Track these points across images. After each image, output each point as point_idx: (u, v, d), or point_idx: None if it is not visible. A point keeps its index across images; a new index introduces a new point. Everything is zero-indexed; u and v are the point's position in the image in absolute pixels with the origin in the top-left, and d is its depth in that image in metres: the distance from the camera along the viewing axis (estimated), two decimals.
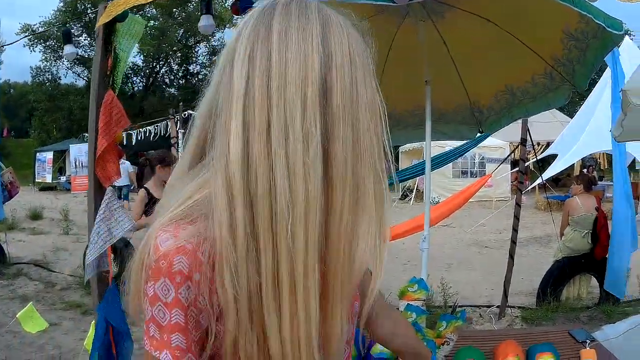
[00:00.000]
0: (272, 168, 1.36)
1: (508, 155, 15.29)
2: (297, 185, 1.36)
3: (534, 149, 12.93)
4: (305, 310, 1.42)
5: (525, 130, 9.90)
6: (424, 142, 19.41)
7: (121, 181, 26.20)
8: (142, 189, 8.74)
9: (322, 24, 1.45)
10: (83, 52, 53.30)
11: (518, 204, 10.13)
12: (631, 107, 4.99)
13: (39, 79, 56.08)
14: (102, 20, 4.34)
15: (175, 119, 26.95)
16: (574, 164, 27.77)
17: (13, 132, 64.07)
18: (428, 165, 5.90)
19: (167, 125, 26.87)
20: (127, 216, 4.42)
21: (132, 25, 4.51)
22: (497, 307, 10.27)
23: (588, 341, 4.49)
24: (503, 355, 3.76)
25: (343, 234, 1.45)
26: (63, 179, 40.57)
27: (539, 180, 22.64)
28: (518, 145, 10.94)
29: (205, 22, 4.54)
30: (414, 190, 31.60)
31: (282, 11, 1.46)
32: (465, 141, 9.21)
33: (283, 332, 1.41)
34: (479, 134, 8.57)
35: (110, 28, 4.48)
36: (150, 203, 8.39)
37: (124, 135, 31.23)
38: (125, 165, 27.12)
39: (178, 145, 20.68)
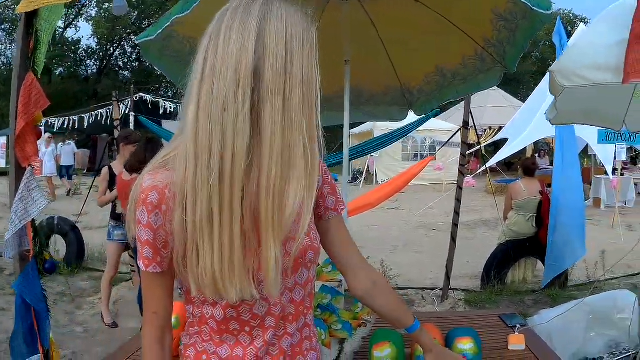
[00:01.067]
0: (211, 133, 1.84)
1: (450, 139, 15.31)
2: (227, 146, 1.83)
3: (476, 133, 12.96)
4: (230, 240, 1.90)
5: (468, 113, 9.91)
6: (374, 124, 19.51)
7: (67, 161, 26.40)
8: (106, 167, 8.90)
9: (261, 17, 1.88)
10: None
11: (460, 187, 10.17)
12: (559, 89, 4.98)
13: None
14: (21, 9, 4.30)
15: (120, 103, 26.80)
16: (526, 148, 28.01)
17: None
18: (346, 150, 5.81)
19: (118, 107, 26.72)
20: (43, 196, 4.41)
21: (52, 7, 4.46)
22: (441, 289, 10.26)
23: (518, 326, 4.46)
24: None
25: (272, 187, 1.88)
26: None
27: (487, 164, 22.80)
28: (459, 129, 10.95)
29: (118, 3, 4.54)
30: (364, 173, 31.75)
31: (233, 11, 1.91)
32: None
33: (215, 256, 1.90)
34: (423, 115, 8.58)
35: (33, 12, 4.43)
36: (113, 180, 8.56)
37: (73, 119, 31.02)
38: (71, 147, 27.40)
39: (130, 128, 20.52)
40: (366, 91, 6.45)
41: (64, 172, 27.68)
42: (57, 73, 55.93)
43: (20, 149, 4.38)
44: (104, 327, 8.69)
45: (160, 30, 4.56)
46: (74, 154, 28.72)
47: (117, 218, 8.57)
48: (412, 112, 6.85)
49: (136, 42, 5.46)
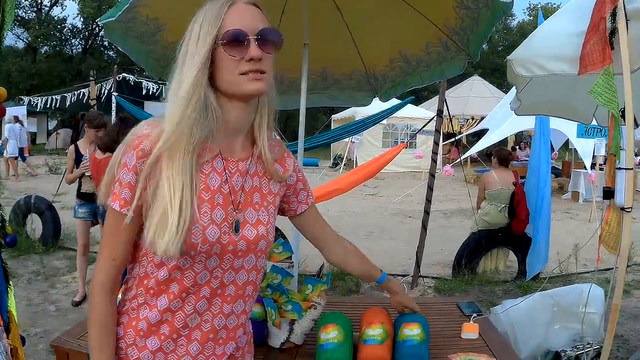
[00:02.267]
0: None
1: (423, 127, 15.32)
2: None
3: (451, 122, 12.95)
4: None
5: (442, 101, 9.91)
6: (355, 110, 19.51)
7: (23, 143, 26.22)
8: (72, 145, 9.01)
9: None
10: (23, 13, 52.45)
11: (432, 175, 10.16)
12: (517, 79, 5.00)
13: None
14: None
15: (102, 82, 26.70)
16: (507, 139, 28.07)
17: None
18: (301, 134, 5.77)
19: (101, 87, 26.60)
20: None
21: None
22: (412, 277, 10.25)
23: (474, 314, 4.48)
24: (368, 321, 3.70)
25: None
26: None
27: (465, 155, 22.84)
28: (433, 117, 10.95)
29: None
30: (344, 159, 31.81)
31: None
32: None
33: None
34: (400, 102, 8.57)
35: None
36: (79, 158, 8.74)
37: (56, 98, 30.84)
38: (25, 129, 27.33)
39: (112, 108, 20.45)
40: (331, 75, 6.43)
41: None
42: (42, 52, 55.61)
43: None
44: (77, 306, 8.74)
45: (121, 12, 4.54)
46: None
47: (81, 197, 8.78)
48: (378, 99, 6.81)
49: (99, 23, 5.43)
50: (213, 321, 2.32)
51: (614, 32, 4.15)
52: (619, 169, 4.18)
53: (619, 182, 4.19)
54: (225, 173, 2.30)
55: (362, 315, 3.90)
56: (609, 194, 4.34)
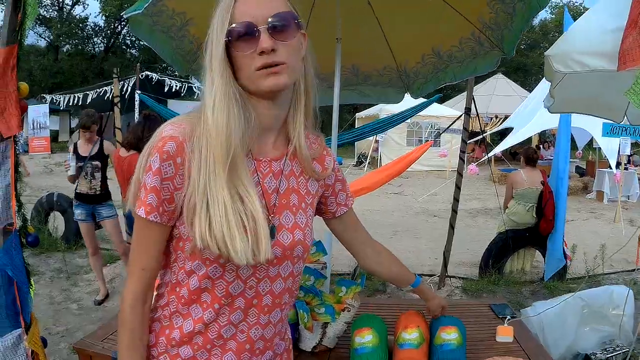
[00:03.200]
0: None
1: (450, 125, 15.20)
2: None
3: (479, 120, 12.87)
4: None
5: (470, 99, 9.83)
6: (380, 108, 19.51)
7: None
8: (72, 144, 8.90)
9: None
10: (45, 12, 52.66)
11: (460, 174, 10.08)
12: (554, 75, 4.90)
13: None
14: None
15: (124, 80, 26.75)
16: (531, 138, 27.96)
17: None
18: (335, 131, 5.69)
19: (124, 85, 26.68)
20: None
21: None
22: (438, 276, 10.16)
23: (508, 317, 4.39)
24: (404, 325, 3.63)
25: None
26: (21, 140, 40.11)
27: (490, 153, 22.73)
28: (460, 115, 10.88)
29: None
30: (369, 157, 31.86)
31: None
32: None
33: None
34: (424, 100, 8.49)
35: None
36: (78, 157, 8.67)
37: (78, 96, 30.89)
38: None
39: (135, 106, 20.52)
40: (362, 71, 6.34)
41: None
42: (64, 50, 55.90)
43: (5, 122, 4.31)
44: (99, 305, 8.76)
45: (147, 4, 4.47)
46: None
47: (77, 197, 8.74)
48: (409, 95, 6.72)
49: (124, 17, 5.32)
50: (249, 332, 2.21)
51: None
52: None
53: None
54: (257, 175, 2.16)
55: (397, 319, 3.82)
56: None
